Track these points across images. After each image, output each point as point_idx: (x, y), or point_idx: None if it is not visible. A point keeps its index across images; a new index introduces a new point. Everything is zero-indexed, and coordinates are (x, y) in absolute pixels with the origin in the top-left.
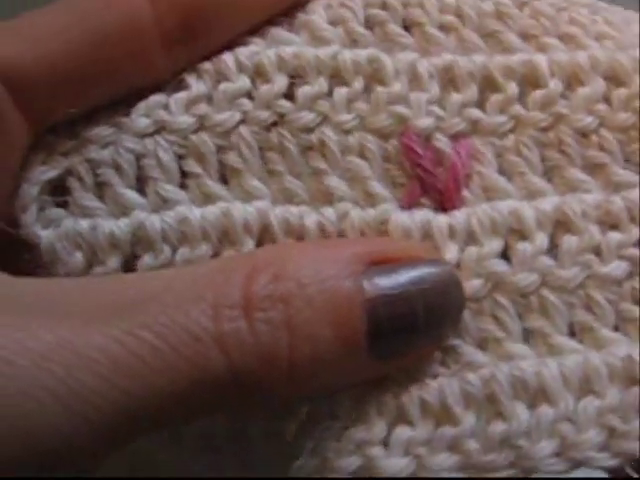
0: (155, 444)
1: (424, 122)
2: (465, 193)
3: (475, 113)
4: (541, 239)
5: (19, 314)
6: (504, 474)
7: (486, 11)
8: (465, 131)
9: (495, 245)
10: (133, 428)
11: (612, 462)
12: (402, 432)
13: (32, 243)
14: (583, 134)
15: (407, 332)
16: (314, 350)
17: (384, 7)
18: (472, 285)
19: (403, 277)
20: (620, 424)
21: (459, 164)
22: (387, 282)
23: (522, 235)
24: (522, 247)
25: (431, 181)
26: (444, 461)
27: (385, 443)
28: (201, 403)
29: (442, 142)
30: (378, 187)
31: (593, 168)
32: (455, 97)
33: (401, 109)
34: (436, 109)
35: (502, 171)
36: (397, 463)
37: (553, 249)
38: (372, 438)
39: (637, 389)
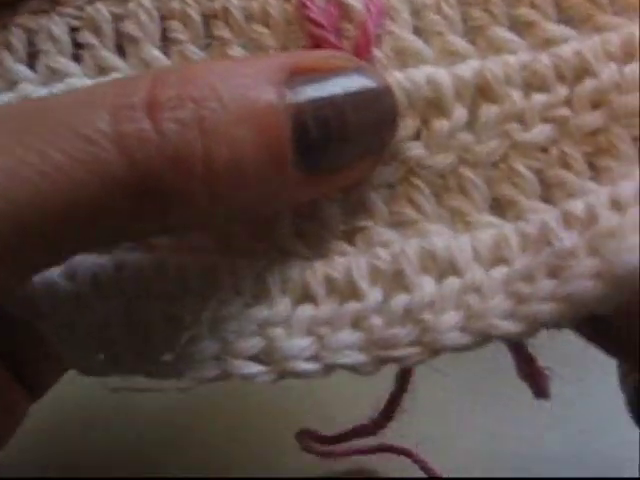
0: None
1: None
2: (376, 53)
3: None
4: (459, 113)
5: None
6: (407, 352)
7: None
8: None
9: (409, 125)
10: (28, 246)
11: (517, 328)
12: (305, 311)
13: None
14: None
15: (337, 140)
16: (233, 153)
17: None
18: (384, 170)
19: (329, 83)
20: (526, 287)
21: (370, 21)
22: (312, 88)
23: (439, 108)
24: (439, 125)
25: (323, 36)
26: (346, 338)
27: (286, 322)
28: (106, 217)
29: None
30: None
31: (521, 27)
32: None
33: None
34: None
35: (418, 32)
36: (299, 344)
37: (471, 121)
38: (274, 317)
39: (547, 250)
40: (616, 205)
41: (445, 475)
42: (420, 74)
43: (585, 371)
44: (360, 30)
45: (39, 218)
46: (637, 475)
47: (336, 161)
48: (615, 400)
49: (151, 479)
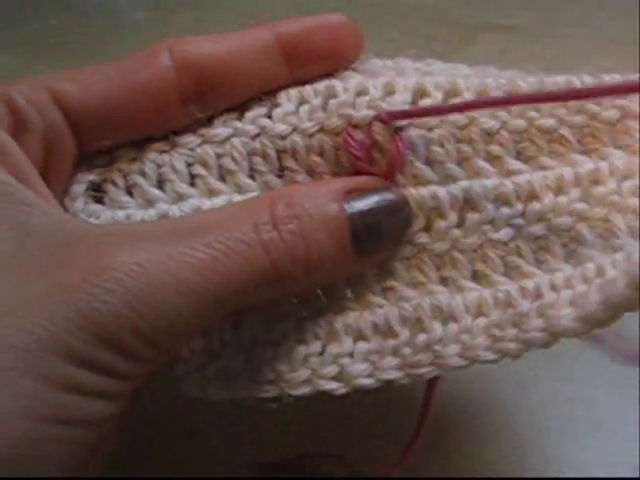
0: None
1: (363, 114)
2: (399, 177)
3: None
4: (452, 217)
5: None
6: (427, 370)
7: None
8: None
9: (419, 223)
10: (215, 309)
11: (493, 357)
12: (362, 346)
13: None
14: (488, 133)
15: (376, 236)
16: (320, 249)
17: None
18: (403, 249)
19: (370, 200)
20: (498, 332)
21: (397, 157)
22: (360, 203)
23: (439, 214)
24: (438, 224)
25: (362, 166)
26: (389, 362)
27: (350, 355)
28: (257, 291)
29: (382, 137)
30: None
31: (493, 159)
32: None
33: (347, 110)
34: (382, 104)
35: (428, 161)
36: (359, 367)
37: (460, 223)
38: (343, 351)
39: (510, 311)
40: (554, 287)
41: (445, 475)
42: (428, 191)
43: (582, 371)
44: (389, 163)
45: (224, 294)
46: (637, 475)
47: (376, 248)
48: (614, 400)
49: (151, 479)
